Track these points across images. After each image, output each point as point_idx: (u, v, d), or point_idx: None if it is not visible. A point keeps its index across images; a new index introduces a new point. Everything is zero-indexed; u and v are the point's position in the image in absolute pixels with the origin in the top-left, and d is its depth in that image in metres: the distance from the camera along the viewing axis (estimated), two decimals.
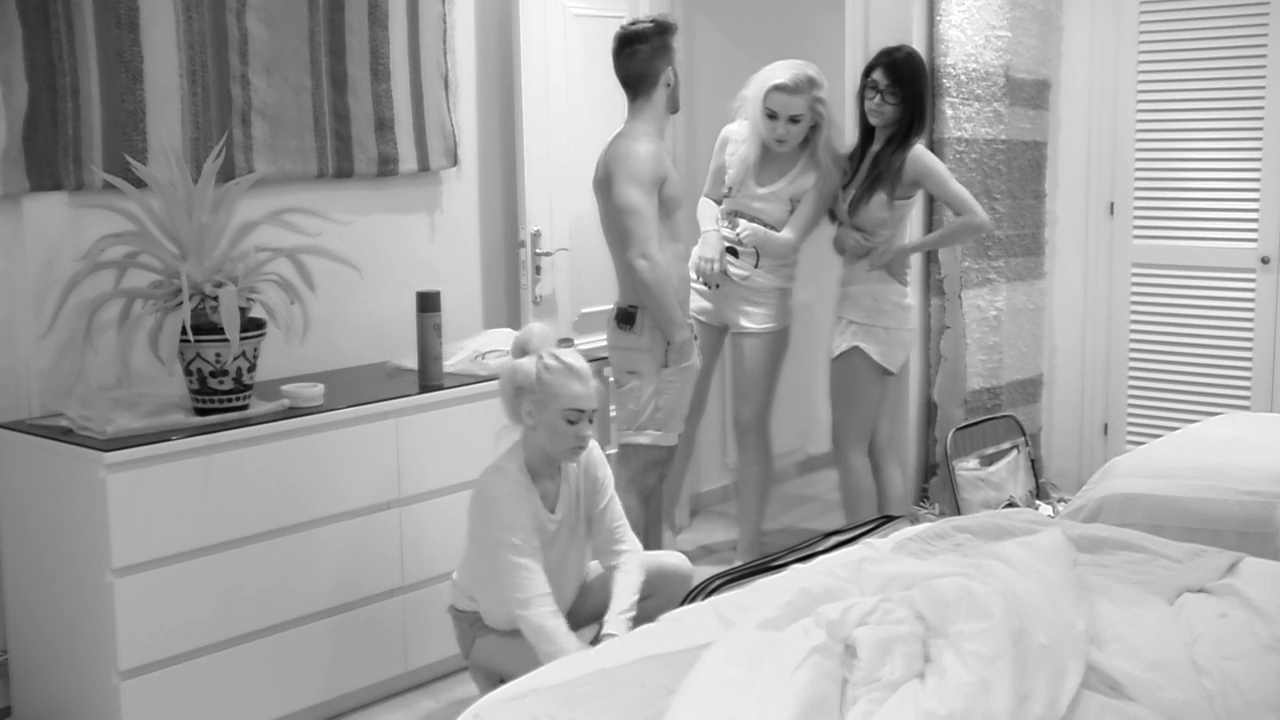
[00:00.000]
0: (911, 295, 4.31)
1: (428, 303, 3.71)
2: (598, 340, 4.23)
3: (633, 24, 3.90)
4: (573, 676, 2.22)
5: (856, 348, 4.23)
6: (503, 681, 3.13)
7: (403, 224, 4.14)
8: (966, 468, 4.59)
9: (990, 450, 4.74)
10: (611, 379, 4.03)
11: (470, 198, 4.35)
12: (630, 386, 3.91)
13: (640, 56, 3.84)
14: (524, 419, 3.19)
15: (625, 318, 3.90)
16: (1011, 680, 1.97)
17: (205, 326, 3.10)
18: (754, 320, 4.35)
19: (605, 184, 3.84)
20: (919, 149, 4.16)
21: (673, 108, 3.92)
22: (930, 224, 4.55)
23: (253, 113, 3.65)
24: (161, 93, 3.44)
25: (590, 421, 3.17)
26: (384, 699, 3.60)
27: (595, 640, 3.14)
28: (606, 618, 3.19)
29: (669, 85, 3.86)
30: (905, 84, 4.14)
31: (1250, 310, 4.72)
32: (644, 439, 3.92)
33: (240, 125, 3.62)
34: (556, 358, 3.16)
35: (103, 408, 3.15)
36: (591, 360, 4.02)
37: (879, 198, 4.16)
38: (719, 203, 4.39)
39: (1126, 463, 3.48)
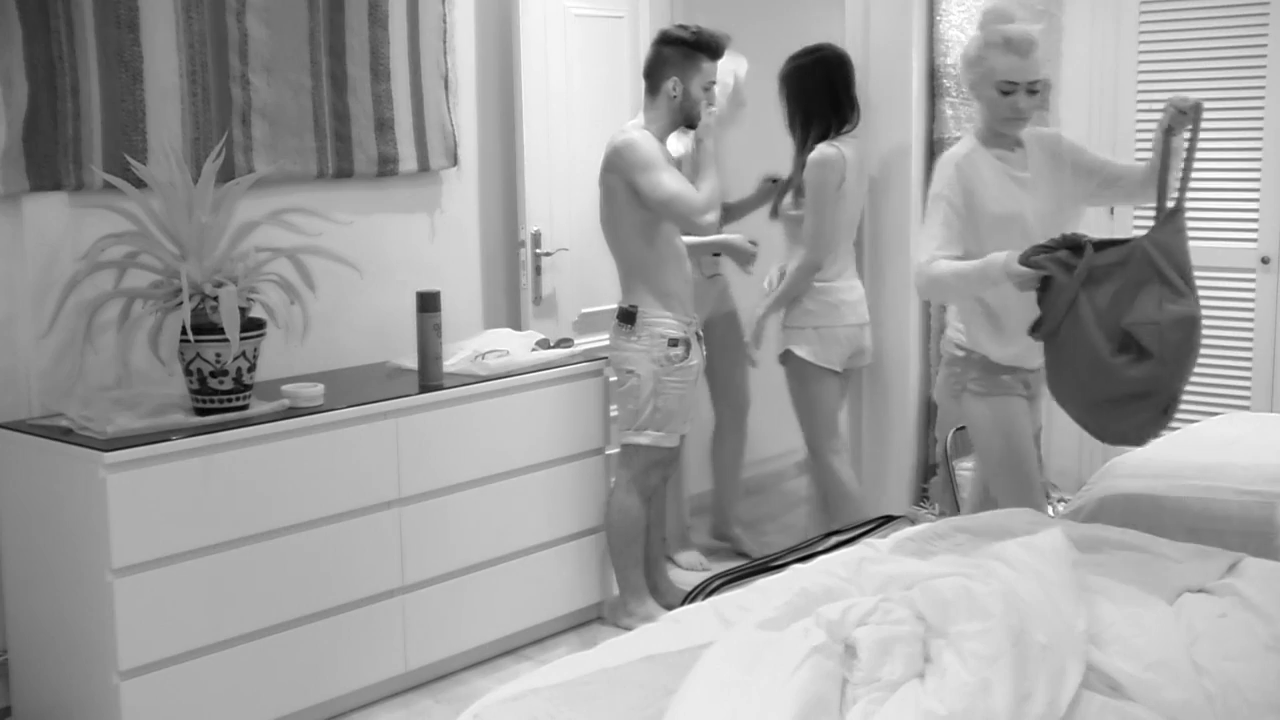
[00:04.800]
0: (855, 290, 4.32)
1: (428, 303, 3.71)
2: (598, 340, 4.23)
3: (678, 27, 3.96)
4: (573, 676, 2.22)
5: (788, 350, 4.28)
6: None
7: (403, 224, 4.14)
8: (966, 468, 4.59)
9: None
10: (613, 378, 4.04)
11: (470, 198, 4.35)
12: (629, 385, 3.91)
13: (656, 56, 3.90)
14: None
15: (625, 316, 3.91)
16: (1011, 680, 1.97)
17: (205, 326, 3.10)
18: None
19: (611, 188, 3.85)
20: (816, 156, 4.18)
21: (684, 121, 3.92)
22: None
23: (253, 113, 3.65)
24: (161, 93, 3.45)
25: (1030, 93, 3.26)
26: (384, 699, 3.60)
27: None
28: None
29: (672, 97, 3.86)
30: (785, 86, 4.27)
31: (1250, 310, 4.72)
32: (644, 439, 3.93)
33: (240, 125, 3.62)
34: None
35: (103, 408, 3.15)
36: (593, 359, 4.05)
37: (787, 201, 4.31)
38: None
39: (1126, 463, 3.48)
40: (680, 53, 3.85)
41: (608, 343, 4.04)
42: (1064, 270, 2.96)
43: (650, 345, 3.88)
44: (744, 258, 4.39)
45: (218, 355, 3.15)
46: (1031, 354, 3.34)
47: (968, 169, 3.30)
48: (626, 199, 3.83)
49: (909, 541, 2.84)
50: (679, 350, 3.90)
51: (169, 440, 3.07)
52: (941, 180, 3.32)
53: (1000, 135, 3.36)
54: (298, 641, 3.35)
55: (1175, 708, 2.06)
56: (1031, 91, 3.27)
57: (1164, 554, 2.75)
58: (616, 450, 4.05)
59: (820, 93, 4.25)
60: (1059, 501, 4.81)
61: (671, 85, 3.84)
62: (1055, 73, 5.05)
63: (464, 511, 3.72)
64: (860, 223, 4.48)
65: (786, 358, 4.31)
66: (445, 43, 4.15)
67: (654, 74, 3.88)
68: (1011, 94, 3.26)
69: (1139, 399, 2.92)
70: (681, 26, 3.94)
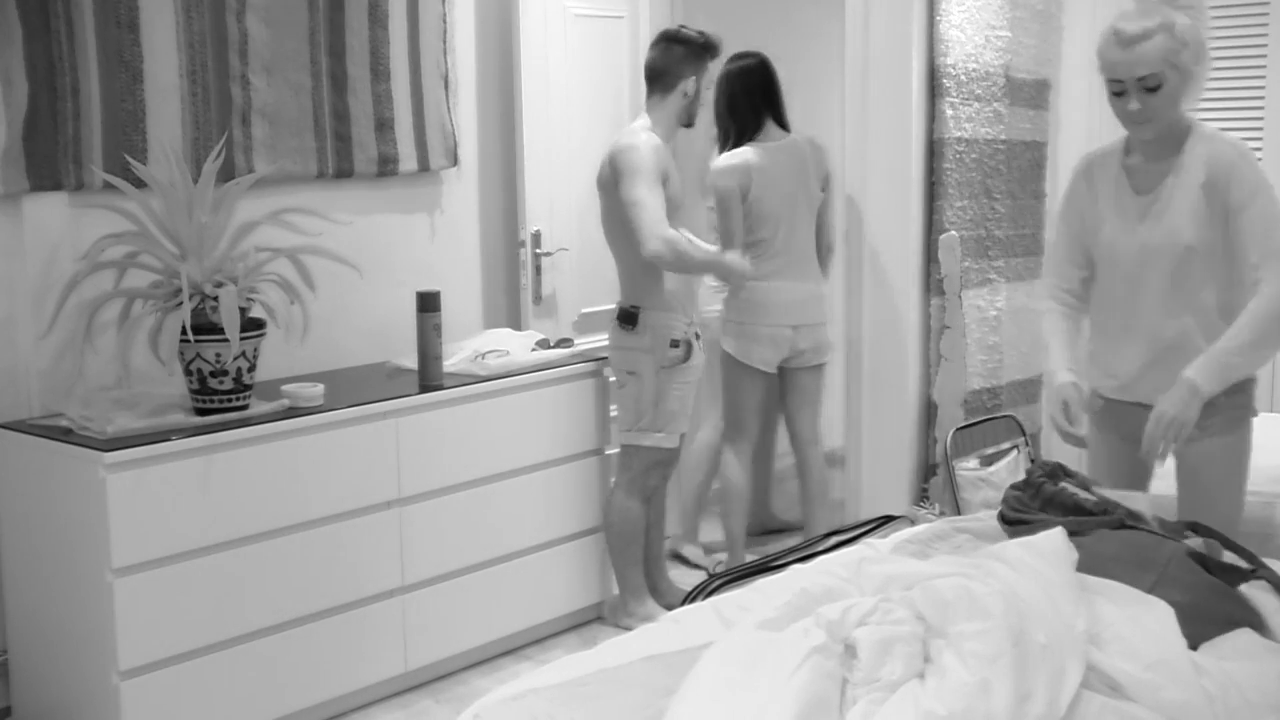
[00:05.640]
0: (788, 292, 4.30)
1: (428, 303, 3.71)
2: (598, 340, 4.23)
3: (683, 28, 4.00)
4: (573, 676, 2.22)
5: (717, 342, 4.38)
6: None
7: (403, 224, 4.14)
8: (966, 468, 4.59)
9: (990, 450, 4.74)
10: (612, 379, 4.04)
11: (470, 198, 4.36)
12: (630, 387, 3.91)
13: (670, 55, 3.91)
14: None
15: (626, 317, 3.91)
16: (1011, 680, 1.97)
17: (205, 326, 3.10)
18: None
19: (608, 183, 3.86)
20: (714, 166, 4.26)
21: (686, 120, 3.99)
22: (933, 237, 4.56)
23: (253, 113, 3.65)
24: (161, 93, 3.45)
25: (1145, 91, 2.75)
26: (384, 699, 3.60)
27: None
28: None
29: (686, 96, 3.90)
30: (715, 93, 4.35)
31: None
32: (644, 440, 3.93)
33: (240, 125, 3.62)
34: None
35: (103, 408, 3.15)
36: (593, 359, 4.05)
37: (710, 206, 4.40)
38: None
39: None
40: (693, 53, 3.89)
41: (608, 343, 4.04)
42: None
43: (651, 346, 3.88)
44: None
45: (218, 355, 3.15)
46: (1137, 388, 2.96)
47: (1092, 173, 2.99)
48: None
49: (909, 542, 2.84)
50: (679, 351, 3.90)
51: (169, 440, 3.07)
52: (1066, 189, 3.06)
53: (1143, 142, 2.87)
54: (298, 641, 3.35)
55: (1175, 708, 2.05)
56: (1149, 89, 2.74)
57: None
58: (616, 451, 4.05)
59: (729, 102, 4.32)
60: None
61: (689, 85, 3.89)
62: (1055, 73, 5.04)
63: (464, 511, 3.72)
64: (837, 225, 4.55)
65: (717, 347, 4.43)
66: (445, 43, 4.15)
67: (666, 73, 3.89)
68: (1123, 94, 2.77)
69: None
70: (684, 28, 3.98)
